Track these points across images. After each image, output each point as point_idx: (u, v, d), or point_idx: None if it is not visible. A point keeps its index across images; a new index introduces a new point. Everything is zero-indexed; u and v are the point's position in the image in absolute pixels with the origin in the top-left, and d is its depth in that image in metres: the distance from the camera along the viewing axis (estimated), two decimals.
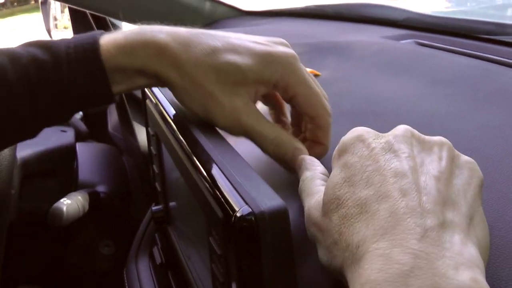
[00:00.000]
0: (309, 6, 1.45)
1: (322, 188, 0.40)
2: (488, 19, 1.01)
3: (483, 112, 0.59)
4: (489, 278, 0.33)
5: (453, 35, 0.97)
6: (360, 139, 0.38)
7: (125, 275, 0.78)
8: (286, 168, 0.52)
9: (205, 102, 0.50)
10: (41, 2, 1.86)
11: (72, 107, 0.51)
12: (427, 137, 0.39)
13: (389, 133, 0.39)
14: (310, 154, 0.51)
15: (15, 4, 18.49)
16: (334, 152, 0.40)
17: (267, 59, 0.51)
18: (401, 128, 0.39)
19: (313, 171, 0.46)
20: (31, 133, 0.52)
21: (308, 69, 0.81)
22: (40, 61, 0.49)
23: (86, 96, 0.50)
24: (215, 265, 0.42)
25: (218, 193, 0.39)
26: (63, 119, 0.52)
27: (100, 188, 1.11)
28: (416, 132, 0.39)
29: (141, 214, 0.93)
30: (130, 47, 0.50)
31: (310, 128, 0.54)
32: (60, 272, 1.13)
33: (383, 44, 0.93)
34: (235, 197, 0.37)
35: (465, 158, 0.38)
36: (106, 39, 0.50)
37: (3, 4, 18.36)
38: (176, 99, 0.53)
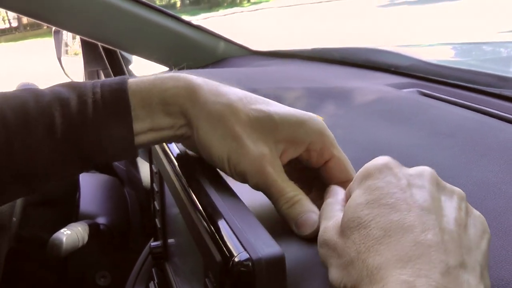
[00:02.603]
0: (316, 49, 1.47)
1: (341, 214, 0.41)
2: (490, 71, 1.03)
3: (480, 167, 0.60)
4: None
5: (455, 86, 0.99)
6: (387, 166, 0.40)
7: None
8: (293, 228, 0.48)
9: (231, 143, 0.48)
10: (54, 31, 1.89)
11: (88, 152, 0.49)
12: (448, 185, 0.41)
13: (414, 169, 0.41)
14: None
15: (28, 28, 18.73)
16: (356, 176, 0.41)
17: (302, 117, 0.50)
18: (428, 168, 0.41)
19: (335, 197, 0.46)
20: (34, 189, 0.50)
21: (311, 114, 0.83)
22: (63, 99, 0.48)
23: (107, 134, 0.49)
24: None
25: (217, 237, 0.40)
26: (74, 169, 0.51)
27: (101, 220, 1.12)
28: (438, 177, 0.41)
29: (139, 248, 0.94)
30: (160, 80, 0.50)
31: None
32: None
33: (385, 92, 0.94)
34: (233, 242, 0.38)
35: (478, 212, 0.40)
36: (137, 78, 0.50)
37: (16, 28, 18.60)
38: (199, 140, 0.50)
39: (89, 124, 0.48)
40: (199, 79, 0.50)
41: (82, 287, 1.14)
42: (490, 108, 0.83)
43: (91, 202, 1.17)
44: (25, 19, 18.81)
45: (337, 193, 0.48)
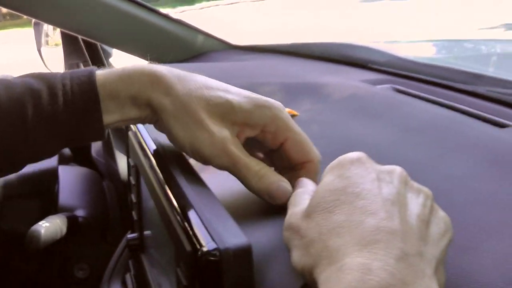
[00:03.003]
0: (295, 43, 1.49)
1: (301, 210, 0.43)
2: (466, 68, 1.05)
3: (448, 162, 0.62)
4: None
5: (429, 83, 1.01)
6: (360, 160, 0.43)
7: None
8: (268, 200, 0.52)
9: (194, 129, 0.51)
10: (34, 23, 1.89)
11: (62, 138, 0.52)
12: (416, 184, 0.43)
13: (386, 166, 0.43)
14: None
15: (7, 17, 18.53)
16: (328, 166, 0.44)
17: (257, 102, 0.54)
18: (398, 168, 0.43)
19: (304, 187, 0.49)
20: (18, 166, 0.54)
21: (287, 109, 0.84)
22: (35, 90, 0.51)
23: (77, 125, 0.51)
24: None
25: (188, 227, 0.42)
26: (50, 152, 0.54)
27: (79, 213, 1.13)
28: (408, 177, 0.43)
29: (117, 240, 0.95)
30: (127, 75, 0.52)
31: (297, 174, 0.54)
32: None
33: (360, 88, 0.96)
34: (203, 232, 0.40)
35: (443, 213, 0.42)
36: (104, 70, 0.53)
37: None
38: (165, 127, 0.53)
39: (60, 116, 0.51)
40: (164, 69, 0.53)
41: (61, 279, 1.14)
42: (462, 105, 0.85)
43: (70, 194, 1.18)
44: (4, 9, 18.62)
45: (306, 184, 0.50)
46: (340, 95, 0.92)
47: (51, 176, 1.16)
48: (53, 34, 1.95)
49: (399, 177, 0.42)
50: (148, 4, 1.41)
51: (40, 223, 1.00)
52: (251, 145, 0.56)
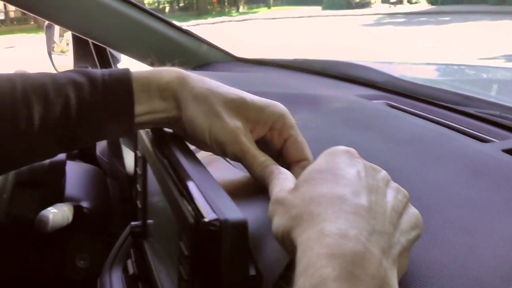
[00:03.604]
0: (297, 59, 1.55)
1: (291, 185, 0.49)
2: (459, 90, 1.11)
3: (432, 170, 0.68)
4: None
5: (423, 102, 1.06)
6: (350, 152, 0.49)
7: (98, 284, 0.84)
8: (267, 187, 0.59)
9: (212, 119, 0.59)
10: (46, 26, 1.93)
11: (101, 126, 0.59)
12: (396, 184, 0.48)
13: (372, 164, 0.49)
14: None
15: (15, 22, 18.67)
16: (322, 153, 0.49)
17: (267, 102, 0.62)
18: (382, 170, 0.49)
19: (288, 175, 0.54)
20: (63, 150, 0.60)
21: None
22: (77, 83, 0.58)
23: (113, 114, 0.58)
24: (182, 266, 0.49)
25: (191, 203, 0.47)
26: (90, 137, 0.61)
27: (84, 204, 1.18)
28: (390, 179, 0.49)
29: (118, 234, 1.00)
30: (158, 70, 0.61)
31: (294, 172, 0.60)
32: (33, 280, 1.19)
33: (355, 102, 1.02)
34: (204, 206, 0.46)
35: (416, 211, 0.47)
36: (136, 70, 0.60)
37: (2, 21, 18.51)
38: (185, 118, 0.60)
39: (99, 106, 0.58)
40: (187, 72, 0.61)
41: (63, 268, 1.19)
42: (449, 122, 0.91)
43: (75, 187, 1.23)
44: (12, 13, 18.77)
45: (288, 174, 0.56)
46: (336, 106, 0.98)
47: (59, 168, 1.20)
48: (59, 42, 1.99)
49: (382, 176, 0.48)
50: (157, 13, 1.47)
51: (48, 208, 1.05)
52: (260, 148, 0.62)
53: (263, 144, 0.63)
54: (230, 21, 16.65)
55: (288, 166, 0.62)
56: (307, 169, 0.48)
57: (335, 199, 0.42)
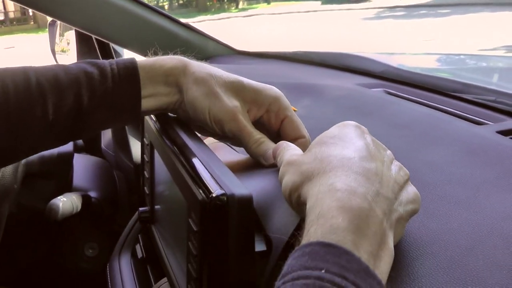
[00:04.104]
0: (297, 52, 1.57)
1: (300, 153, 0.53)
2: (457, 78, 1.13)
3: (429, 151, 0.70)
4: None
5: (420, 88, 1.09)
6: (360, 128, 0.52)
7: (107, 268, 0.87)
8: (262, 162, 0.64)
9: (212, 100, 0.63)
10: (49, 24, 1.95)
11: (111, 112, 0.63)
12: (398, 163, 0.51)
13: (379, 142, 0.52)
14: None
15: (14, 22, 18.67)
16: (336, 124, 0.53)
17: (265, 87, 0.66)
18: (388, 149, 0.52)
19: (296, 147, 0.57)
20: (74, 137, 0.64)
21: None
22: (88, 73, 0.62)
23: (121, 99, 0.62)
24: (191, 242, 0.52)
25: (199, 181, 0.50)
26: (100, 124, 0.64)
27: (92, 194, 1.21)
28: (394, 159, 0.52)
29: (125, 223, 1.02)
30: (162, 58, 0.65)
31: None
32: (43, 268, 1.21)
33: (354, 90, 1.05)
34: (212, 183, 0.49)
35: (415, 189, 0.50)
36: (144, 58, 0.65)
37: (2, 22, 18.51)
38: (186, 100, 0.64)
39: (108, 93, 0.62)
40: (188, 59, 0.66)
41: (71, 256, 1.22)
42: (446, 107, 0.93)
43: (83, 178, 1.26)
44: (12, 14, 18.77)
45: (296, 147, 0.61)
46: (336, 94, 1.01)
47: (67, 160, 1.23)
48: (60, 41, 2.01)
49: (388, 153, 0.51)
50: (160, 9, 1.49)
51: (58, 197, 1.08)
52: (259, 130, 0.66)
53: (261, 126, 0.67)
54: (237, 16, 16.73)
55: None
56: (320, 135, 0.51)
57: (345, 160, 0.45)
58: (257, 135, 0.64)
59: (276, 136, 0.68)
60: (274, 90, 0.67)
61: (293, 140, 0.65)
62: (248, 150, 0.65)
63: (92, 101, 0.61)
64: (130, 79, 0.62)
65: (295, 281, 0.36)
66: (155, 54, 0.69)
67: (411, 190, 0.49)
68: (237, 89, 0.65)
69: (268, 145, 0.64)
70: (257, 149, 0.64)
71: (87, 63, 0.63)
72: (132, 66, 0.63)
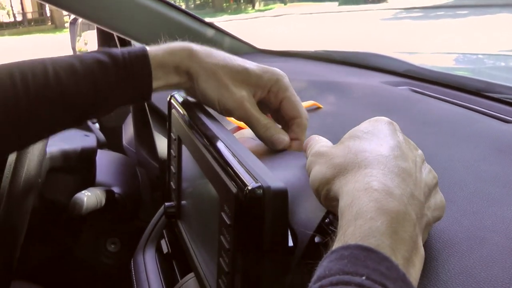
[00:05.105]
0: (319, 51, 1.57)
1: (330, 144, 0.54)
2: (481, 78, 1.12)
3: (458, 149, 0.70)
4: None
5: (445, 87, 1.08)
6: (393, 124, 0.52)
7: (132, 263, 0.87)
8: (270, 147, 0.70)
9: (221, 90, 0.68)
10: (70, 22, 1.97)
11: (123, 97, 0.67)
12: (428, 165, 0.50)
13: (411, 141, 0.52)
14: (290, 148, 0.70)
15: (32, 23, 18.81)
16: (369, 119, 0.53)
17: (267, 69, 0.71)
18: (419, 149, 0.52)
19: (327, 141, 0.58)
20: (81, 121, 0.67)
21: (312, 102, 0.92)
22: (102, 62, 0.64)
23: (133, 88, 0.66)
24: (223, 236, 0.52)
25: (233, 173, 0.50)
26: (106, 111, 0.68)
27: (115, 189, 1.21)
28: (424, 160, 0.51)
29: (148, 219, 1.02)
30: (171, 49, 0.68)
31: (290, 128, 0.71)
32: (66, 263, 1.22)
33: (380, 88, 1.04)
34: (247, 176, 0.48)
35: (442, 195, 0.49)
36: (152, 46, 0.68)
37: (20, 22, 18.67)
38: (199, 90, 0.69)
39: (121, 82, 0.65)
40: (197, 46, 0.70)
41: (94, 251, 1.22)
42: (472, 104, 0.92)
43: (106, 173, 1.26)
44: (30, 15, 18.92)
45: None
46: (361, 92, 1.00)
47: (90, 155, 1.23)
48: (78, 41, 2.03)
49: (419, 153, 0.50)
50: (180, 7, 1.49)
51: (82, 192, 1.08)
52: (261, 107, 0.71)
53: (263, 105, 0.72)
54: (264, 16, 16.86)
55: (285, 125, 0.73)
56: (357, 127, 0.51)
57: (381, 157, 0.45)
58: (263, 120, 0.69)
59: (278, 114, 0.73)
60: (275, 72, 0.71)
61: (291, 119, 0.71)
62: (256, 134, 0.70)
63: (105, 88, 0.65)
64: (142, 68, 0.66)
65: (334, 286, 0.35)
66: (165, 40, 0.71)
67: (439, 197, 0.49)
68: (243, 77, 0.69)
69: (275, 130, 0.70)
70: (265, 133, 0.69)
71: (101, 52, 0.66)
72: (143, 55, 0.66)
